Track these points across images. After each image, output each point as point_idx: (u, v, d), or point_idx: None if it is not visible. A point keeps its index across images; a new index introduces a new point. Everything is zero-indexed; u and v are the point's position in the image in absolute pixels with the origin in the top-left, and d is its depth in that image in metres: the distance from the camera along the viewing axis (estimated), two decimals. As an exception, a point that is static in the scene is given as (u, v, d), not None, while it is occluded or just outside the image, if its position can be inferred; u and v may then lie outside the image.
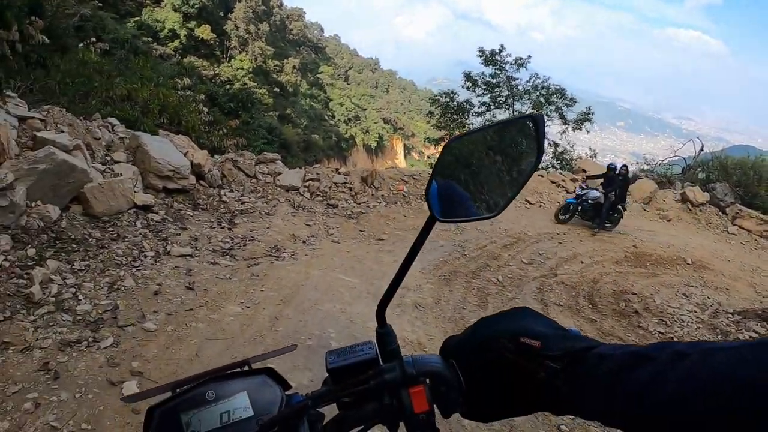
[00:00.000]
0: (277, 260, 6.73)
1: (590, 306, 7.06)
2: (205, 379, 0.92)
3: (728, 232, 13.68)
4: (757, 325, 6.82)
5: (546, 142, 16.44)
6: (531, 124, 0.87)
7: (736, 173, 16.42)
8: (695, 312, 7.36)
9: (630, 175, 13.19)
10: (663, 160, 20.25)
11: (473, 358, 0.80)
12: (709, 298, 8.10)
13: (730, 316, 7.30)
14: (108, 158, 7.71)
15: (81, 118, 8.36)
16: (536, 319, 0.81)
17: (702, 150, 18.99)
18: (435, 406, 0.81)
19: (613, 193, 11.66)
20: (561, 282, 7.73)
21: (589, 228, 11.64)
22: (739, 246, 12.75)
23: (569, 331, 0.80)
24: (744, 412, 0.48)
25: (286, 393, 0.92)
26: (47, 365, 3.67)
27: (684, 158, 19.18)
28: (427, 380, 0.82)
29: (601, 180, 12.34)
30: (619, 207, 11.90)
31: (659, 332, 6.45)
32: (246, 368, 0.97)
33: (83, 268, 5.20)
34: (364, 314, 5.43)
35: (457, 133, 22.95)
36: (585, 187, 12.02)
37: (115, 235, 6.14)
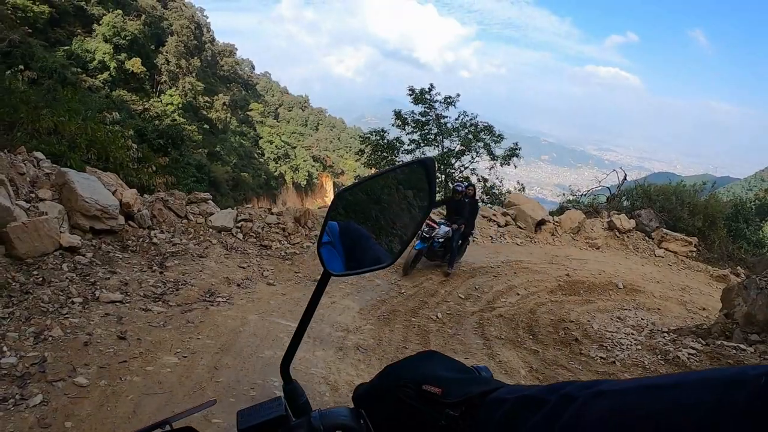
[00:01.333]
0: (212, 305, 6.53)
1: (531, 337, 7.18)
2: None
3: (656, 255, 14.38)
4: (693, 341, 7.09)
5: (474, 178, 16.27)
6: (422, 169, 0.90)
7: (659, 199, 17.23)
8: (632, 334, 7.60)
9: (478, 196, 12.05)
10: (588, 191, 20.91)
11: (380, 406, 0.82)
12: (643, 319, 8.43)
13: (666, 335, 7.58)
14: (33, 195, 7.33)
15: (5, 150, 7.93)
16: (442, 362, 0.84)
17: (625, 179, 19.64)
18: None
19: (463, 222, 9.93)
20: (500, 315, 7.84)
21: (439, 269, 9.93)
22: (666, 267, 13.41)
23: (476, 371, 0.84)
24: None
25: None
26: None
27: (608, 187, 19.73)
28: None
29: (444, 207, 10.88)
30: (469, 234, 10.35)
31: (601, 357, 6.62)
32: (167, 428, 0.96)
33: (6, 315, 4.87)
34: (306, 360, 5.32)
35: None
36: (430, 225, 9.57)
37: (41, 279, 5.79)
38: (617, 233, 15.27)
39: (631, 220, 15.76)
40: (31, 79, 15.56)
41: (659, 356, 6.70)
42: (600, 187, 20.33)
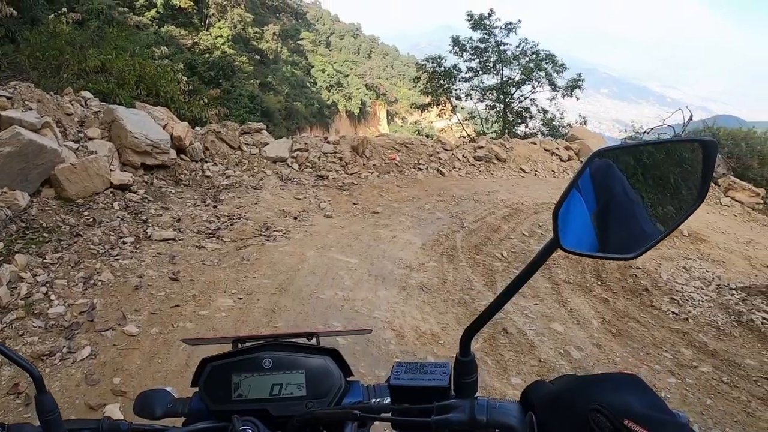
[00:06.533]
0: (268, 240, 6.27)
1: (599, 283, 6.68)
2: (268, 341, 0.95)
3: (721, 204, 13.43)
4: (763, 303, 6.45)
5: (535, 109, 15.80)
6: (700, 150, 0.74)
7: (727, 144, 15.95)
8: (701, 288, 7.00)
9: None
10: (652, 128, 19.86)
11: (560, 420, 0.71)
12: (708, 271, 7.80)
13: (735, 292, 6.97)
14: (81, 135, 7.17)
15: (52, 93, 7.81)
16: (643, 395, 0.70)
17: (691, 119, 18.28)
18: None
19: None
20: (565, 256, 7.37)
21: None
22: (732, 218, 12.55)
23: (677, 417, 0.70)
24: None
25: (347, 380, 0.93)
26: (17, 387, 3.18)
27: (672, 127, 18.61)
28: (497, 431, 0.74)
29: None
30: None
31: (673, 312, 6.05)
32: (313, 340, 0.99)
33: (56, 261, 4.69)
34: (369, 301, 5.00)
35: (444, 99, 22.71)
36: None
37: (91, 220, 5.64)
38: (681, 177, 14.31)
39: (697, 163, 14.74)
40: (77, 21, 15.46)
41: (732, 317, 6.07)
42: (664, 126, 19.21)
